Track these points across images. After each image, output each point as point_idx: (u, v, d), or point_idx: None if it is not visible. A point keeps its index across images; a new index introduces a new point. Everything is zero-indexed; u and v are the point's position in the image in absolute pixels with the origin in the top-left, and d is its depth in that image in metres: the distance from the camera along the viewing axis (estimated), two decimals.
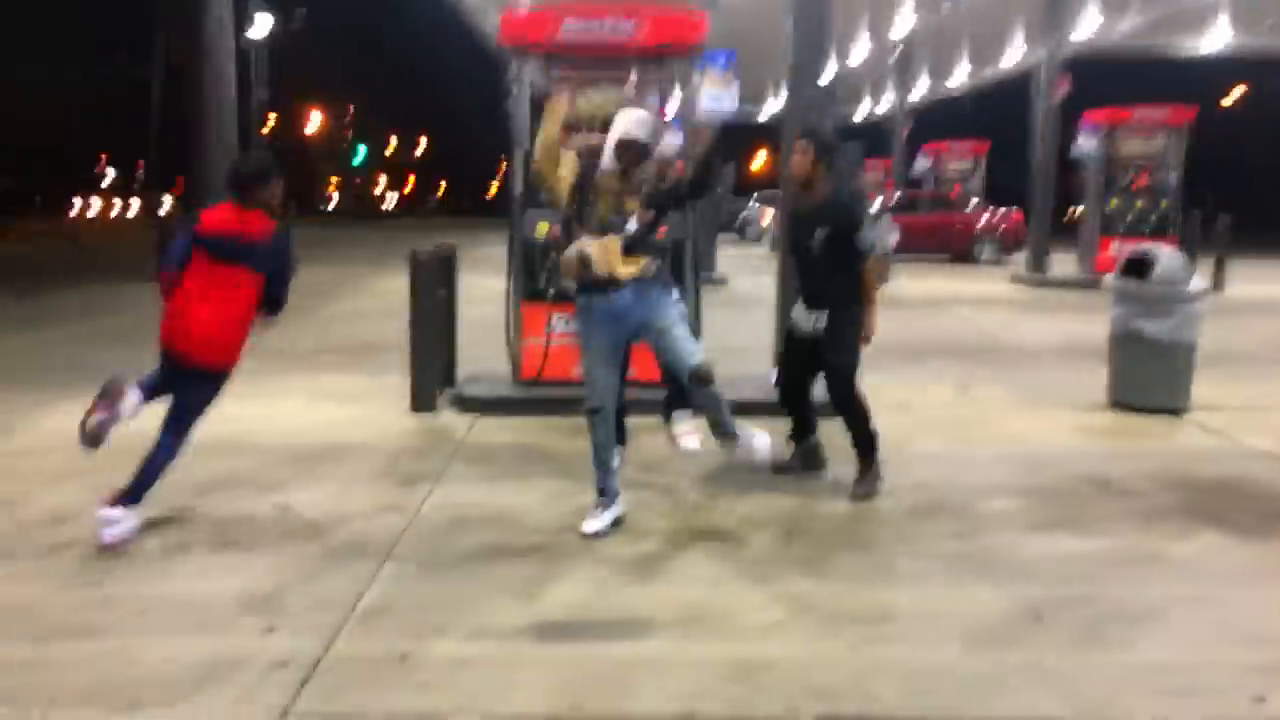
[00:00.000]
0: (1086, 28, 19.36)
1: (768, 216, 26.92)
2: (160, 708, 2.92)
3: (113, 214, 54.07)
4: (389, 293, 12.97)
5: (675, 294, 4.40)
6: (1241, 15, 19.48)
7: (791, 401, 5.29)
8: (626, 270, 4.22)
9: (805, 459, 5.31)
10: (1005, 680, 3.14)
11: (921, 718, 2.93)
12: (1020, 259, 18.75)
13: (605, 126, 4.47)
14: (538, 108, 7.00)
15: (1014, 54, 23.43)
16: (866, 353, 5.07)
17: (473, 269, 10.77)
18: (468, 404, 6.57)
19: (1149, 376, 6.76)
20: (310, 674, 3.10)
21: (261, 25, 22.02)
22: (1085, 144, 16.63)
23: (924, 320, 11.40)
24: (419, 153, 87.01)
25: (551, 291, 6.43)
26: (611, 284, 4.21)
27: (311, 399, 7.04)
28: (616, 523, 4.45)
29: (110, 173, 62.40)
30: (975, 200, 23.04)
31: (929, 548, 4.30)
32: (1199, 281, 6.78)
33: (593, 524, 4.35)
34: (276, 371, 8.05)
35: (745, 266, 18.23)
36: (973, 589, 3.85)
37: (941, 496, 4.94)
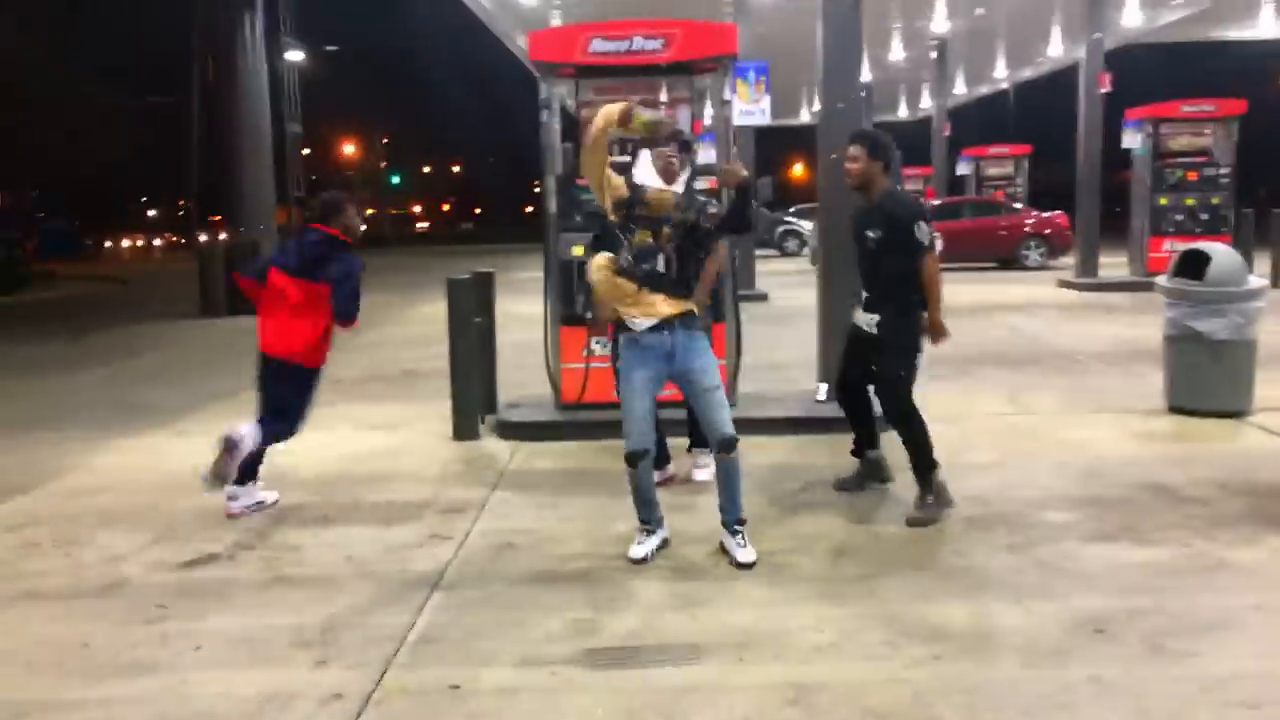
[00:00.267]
0: (1129, 19, 19.09)
1: (808, 229, 26.78)
2: None
3: (157, 250, 55.25)
4: (427, 319, 13.12)
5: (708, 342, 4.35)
6: None
7: (851, 406, 5.17)
8: (667, 310, 4.17)
9: (867, 473, 5.20)
10: (1068, 696, 3.05)
11: None
12: (1068, 262, 18.45)
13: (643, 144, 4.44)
14: (569, 128, 7.06)
15: (1054, 50, 23.18)
16: None
17: (510, 293, 10.86)
18: (510, 430, 6.58)
19: (1208, 378, 6.58)
20: (363, 706, 3.11)
21: (293, 57, 22.44)
22: (1130, 140, 16.33)
23: (971, 328, 11.22)
24: (453, 178, 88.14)
25: (589, 315, 6.44)
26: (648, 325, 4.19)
27: (355, 429, 7.11)
28: (663, 545, 4.42)
29: (151, 211, 63.95)
30: (1019, 204, 22.74)
31: (984, 562, 4.21)
32: (1256, 278, 6.60)
33: (638, 550, 4.31)
34: (320, 403, 8.10)
35: (786, 281, 18.13)
36: (1031, 603, 3.75)
37: (996, 509, 4.83)
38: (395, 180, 70.73)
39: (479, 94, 69.92)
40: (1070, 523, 4.66)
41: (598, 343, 6.36)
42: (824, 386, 6.87)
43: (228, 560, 4.47)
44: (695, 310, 4.31)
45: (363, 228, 5.34)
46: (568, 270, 6.57)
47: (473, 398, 6.64)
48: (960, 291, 15.63)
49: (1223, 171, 16.08)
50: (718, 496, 4.37)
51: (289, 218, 23.05)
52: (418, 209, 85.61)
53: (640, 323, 4.20)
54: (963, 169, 25.73)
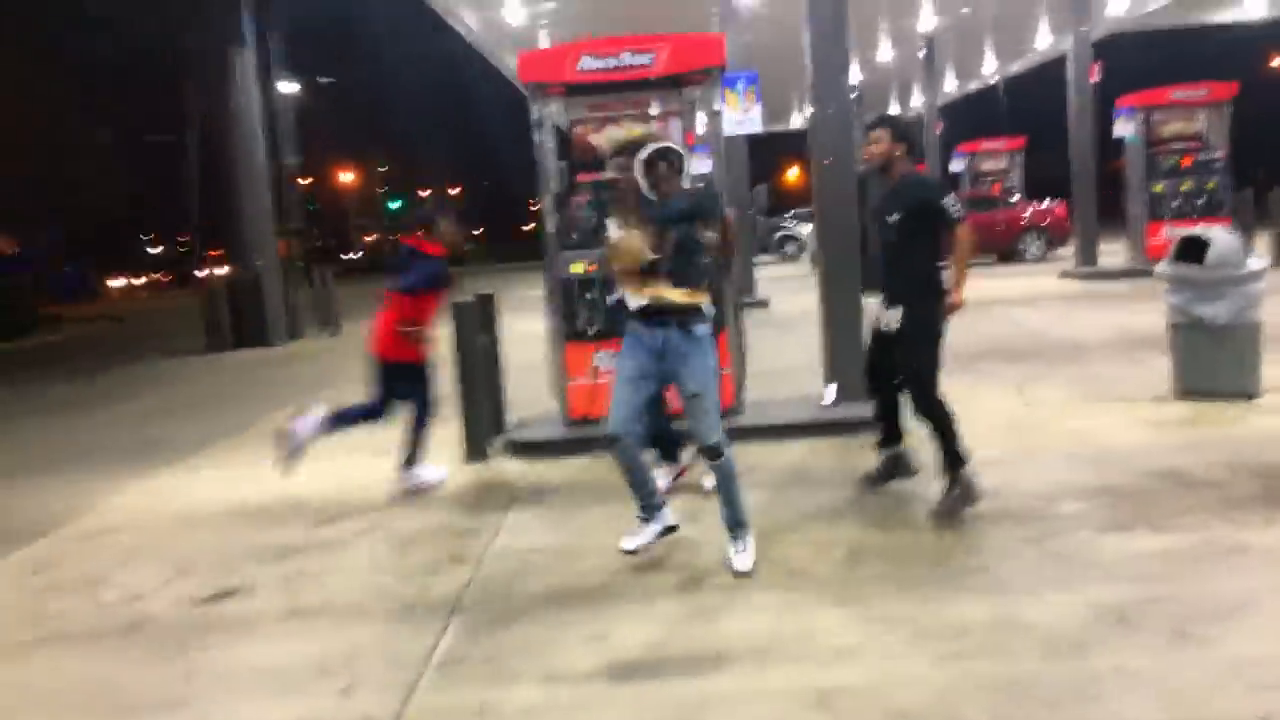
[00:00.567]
0: (1114, 7, 19.14)
1: (806, 232, 26.81)
2: None
3: (161, 287, 55.32)
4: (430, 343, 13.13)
5: (707, 338, 4.33)
6: None
7: (878, 394, 5.14)
8: (675, 297, 4.20)
9: (891, 468, 5.18)
10: (1094, 687, 3.05)
11: None
12: (1067, 253, 18.45)
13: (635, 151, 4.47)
14: (564, 146, 7.11)
15: (1041, 42, 23.23)
16: None
17: (512, 311, 10.88)
18: (520, 448, 6.61)
19: (1214, 362, 6.58)
20: None
21: (287, 89, 22.59)
22: (1123, 129, 16.35)
23: (973, 322, 11.22)
24: (452, 201, 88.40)
25: (591, 330, 6.47)
26: (654, 310, 4.23)
27: (366, 455, 7.11)
28: (666, 532, 4.42)
29: (154, 249, 64.13)
30: (1016, 197, 22.75)
31: (1001, 556, 4.21)
32: (1257, 260, 6.61)
33: (628, 541, 4.35)
34: None
35: (786, 286, 18.15)
36: (1051, 595, 3.76)
37: (1009, 503, 4.84)
38: (394, 206, 70.94)
39: (472, 117, 70.21)
40: (1084, 513, 4.66)
41: (603, 357, 6.38)
42: (830, 390, 6.89)
43: (247, 592, 4.49)
44: (700, 306, 4.27)
45: (458, 239, 5.93)
46: (568, 287, 6.61)
47: (481, 419, 6.66)
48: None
49: (1217, 155, 16.09)
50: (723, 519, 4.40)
51: (288, 249, 23.14)
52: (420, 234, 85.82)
53: (633, 301, 4.25)
54: (956, 165, 25.76)
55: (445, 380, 6.94)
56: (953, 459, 4.76)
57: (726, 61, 6.74)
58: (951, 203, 4.69)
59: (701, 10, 14.72)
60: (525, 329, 9.66)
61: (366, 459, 7.01)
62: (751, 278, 16.14)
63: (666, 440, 5.47)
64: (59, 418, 10.23)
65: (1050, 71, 22.97)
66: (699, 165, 6.82)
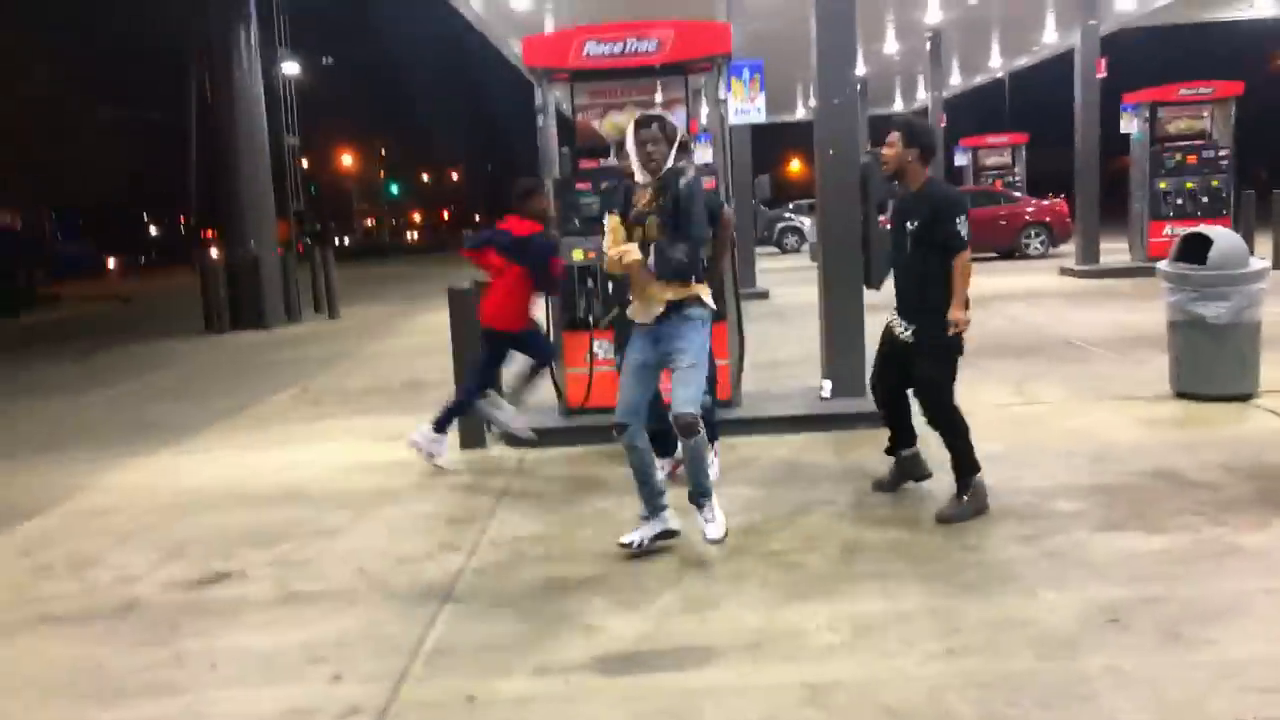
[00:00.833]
0: (1123, 2, 19.04)
1: (807, 225, 26.76)
2: None
3: (162, 268, 55.34)
4: (429, 329, 13.14)
5: (703, 320, 4.32)
6: None
7: (886, 406, 5.08)
8: (664, 295, 4.23)
9: (903, 471, 5.11)
10: (1086, 687, 3.05)
11: None
12: (1069, 250, 18.41)
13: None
14: (566, 131, 7.08)
15: (1048, 37, 23.14)
16: None
17: None
18: (515, 437, 6.57)
19: (1212, 362, 6.57)
20: None
21: (290, 70, 22.50)
22: (1129, 125, 16.29)
23: (974, 319, 11.17)
24: (453, 185, 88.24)
25: (592, 319, 6.44)
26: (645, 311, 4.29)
27: (362, 441, 7.12)
28: (665, 535, 4.42)
29: (153, 229, 63.86)
30: (1018, 193, 22.71)
31: (996, 554, 4.20)
32: (1258, 260, 6.59)
33: (627, 535, 4.38)
34: (327, 416, 8.17)
35: (786, 278, 18.13)
36: (1044, 594, 3.75)
37: (1005, 500, 4.82)
38: (394, 189, 70.81)
39: (476, 100, 70.05)
40: (1080, 512, 4.65)
41: (600, 347, 6.36)
42: (828, 384, 6.87)
43: (240, 577, 4.48)
44: (698, 296, 4.28)
45: (545, 210, 6.14)
46: (569, 275, 6.57)
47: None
48: None
49: (1221, 154, 16.03)
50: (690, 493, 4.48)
51: (289, 230, 23.08)
52: (417, 217, 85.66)
53: (640, 315, 4.34)
54: (960, 159, 25.72)
55: (443, 367, 6.94)
56: (965, 466, 4.73)
57: (733, 50, 6.69)
58: (962, 224, 4.62)
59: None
60: None
61: (364, 444, 7.01)
62: (752, 269, 16.10)
63: (662, 434, 5.45)
64: (54, 397, 10.21)
65: (1055, 67, 22.91)
66: (702, 154, 6.79)
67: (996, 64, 28.45)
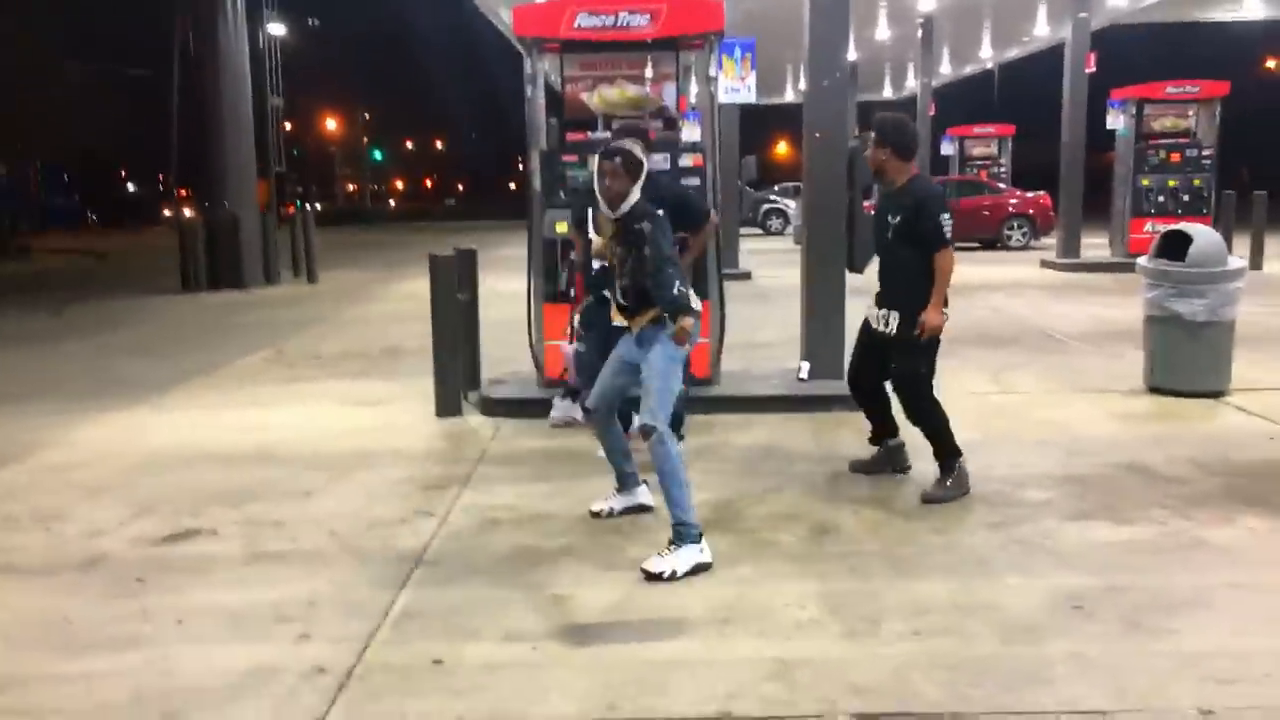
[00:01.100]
0: None
1: (792, 208, 26.76)
2: (199, 716, 2.93)
3: (133, 227, 54.76)
4: (410, 296, 13.06)
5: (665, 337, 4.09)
6: None
7: (867, 399, 5.11)
8: (640, 320, 4.15)
9: (885, 460, 5.13)
10: (1048, 673, 3.08)
11: (963, 713, 2.88)
12: (1050, 242, 18.52)
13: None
14: (555, 103, 7.02)
15: (1039, 29, 23.15)
16: None
17: (494, 270, 10.80)
18: (493, 406, 6.57)
19: (1186, 359, 6.64)
20: (345, 681, 3.11)
21: (275, 30, 22.21)
22: (1115, 121, 16.36)
23: (954, 307, 11.21)
24: (436, 153, 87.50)
25: (573, 292, 6.42)
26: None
27: (338, 405, 7.08)
28: (637, 510, 4.49)
29: (131, 186, 62.89)
30: (1003, 184, 22.78)
31: (965, 539, 4.24)
32: (1236, 259, 6.65)
33: (596, 503, 4.50)
34: (303, 378, 8.11)
35: (769, 260, 18.13)
36: (1011, 580, 3.79)
37: (977, 487, 4.85)
38: (377, 156, 70.08)
39: (463, 68, 69.31)
40: (1050, 501, 4.70)
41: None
42: (806, 365, 6.89)
43: (209, 535, 4.45)
44: (658, 318, 4.07)
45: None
46: (552, 247, 6.54)
47: (456, 374, 6.62)
48: None
49: (1205, 153, 16.14)
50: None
51: (269, 192, 22.83)
52: (400, 185, 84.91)
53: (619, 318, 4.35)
54: (946, 149, 25.74)
55: (422, 334, 6.89)
56: (947, 453, 4.79)
57: (725, 28, 6.65)
58: (944, 221, 4.63)
59: None
60: (505, 288, 9.59)
61: (339, 409, 6.97)
62: (735, 249, 16.09)
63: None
64: (25, 350, 10.08)
65: (1045, 60, 22.94)
66: (689, 132, 6.76)
67: (987, 54, 28.46)
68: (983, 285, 13.71)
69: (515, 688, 3.06)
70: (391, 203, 71.06)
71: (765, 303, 11.92)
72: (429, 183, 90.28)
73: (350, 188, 75.10)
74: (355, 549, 4.25)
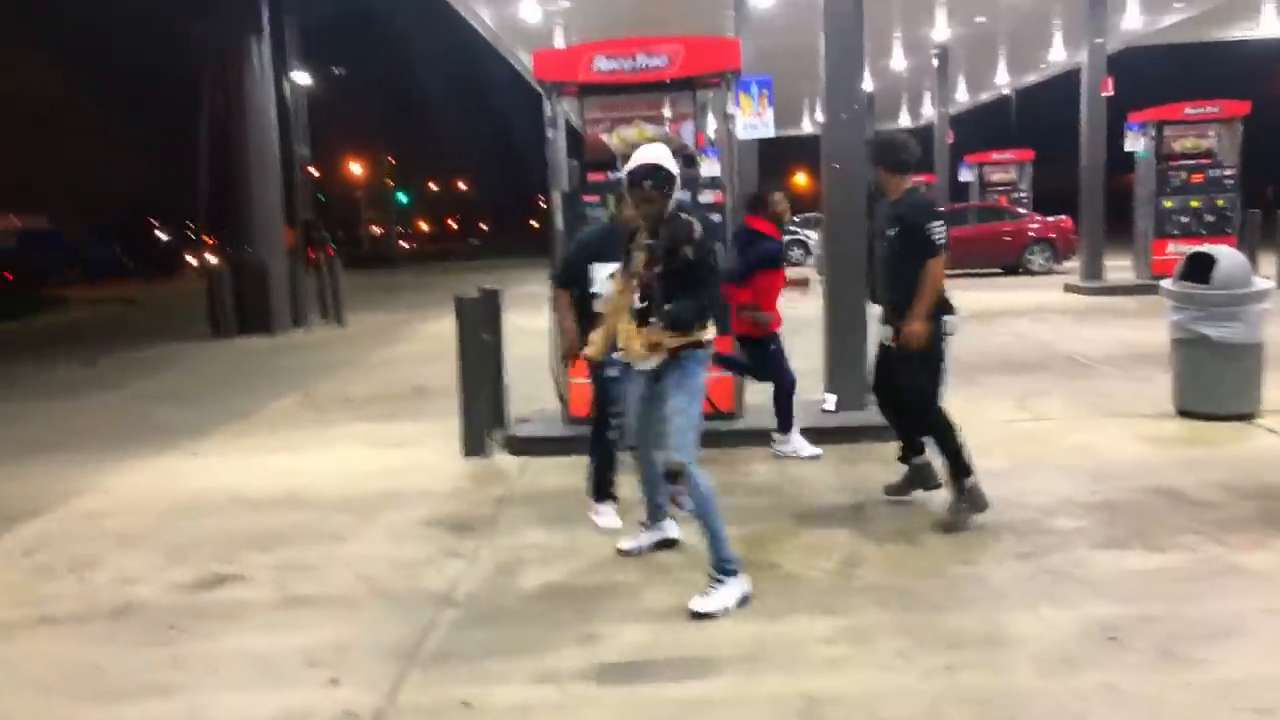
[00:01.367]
0: (1129, 21, 19.09)
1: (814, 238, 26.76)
2: None
3: (163, 275, 55.59)
4: (436, 337, 13.14)
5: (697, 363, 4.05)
6: None
7: (887, 412, 5.22)
8: (640, 353, 4.00)
9: (912, 480, 5.16)
10: (1082, 704, 3.05)
11: None
12: (1073, 267, 18.41)
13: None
14: (575, 144, 7.11)
15: (1055, 55, 23.19)
16: None
17: (517, 306, 10.87)
18: (519, 445, 6.60)
19: (1215, 381, 6.57)
20: None
21: (301, 80, 22.65)
22: (1134, 143, 16.30)
23: (977, 334, 11.22)
24: (460, 194, 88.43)
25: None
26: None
27: (366, 447, 7.13)
28: (665, 545, 4.52)
29: (163, 235, 63.94)
30: (1023, 209, 22.71)
31: (996, 570, 4.21)
32: (1262, 280, 6.59)
33: (627, 542, 4.53)
34: (331, 421, 8.19)
35: (791, 292, 18.09)
36: (1043, 611, 3.75)
37: (1006, 516, 4.82)
38: (403, 199, 70.91)
39: (485, 111, 70.19)
40: (1081, 529, 4.65)
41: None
42: (832, 398, 6.88)
43: (240, 581, 4.49)
44: (699, 340, 4.01)
45: (784, 213, 6.30)
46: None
47: (482, 414, 6.66)
48: (966, 298, 15.53)
49: (1227, 173, 16.01)
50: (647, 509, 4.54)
51: (296, 238, 23.15)
52: (424, 226, 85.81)
53: (641, 364, 4.09)
54: (965, 175, 25.72)
55: (448, 374, 6.95)
56: (958, 470, 4.77)
57: (741, 65, 6.73)
58: (934, 229, 4.67)
59: (717, 13, 14.71)
60: (529, 325, 9.65)
61: (367, 450, 7.03)
62: None
63: None
64: (60, 400, 10.24)
65: (1062, 84, 22.93)
66: (708, 168, 6.83)
67: (1003, 81, 28.51)
68: (1005, 311, 13.63)
69: None
70: (406, 244, 71.68)
71: (789, 334, 11.88)
72: (453, 223, 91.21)
73: (376, 230, 76.04)
74: (384, 591, 4.28)
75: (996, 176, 25.20)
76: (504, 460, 6.49)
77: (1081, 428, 6.68)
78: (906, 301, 4.74)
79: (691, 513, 4.07)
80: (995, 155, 25.54)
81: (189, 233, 55.75)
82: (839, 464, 6.00)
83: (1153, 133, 16.13)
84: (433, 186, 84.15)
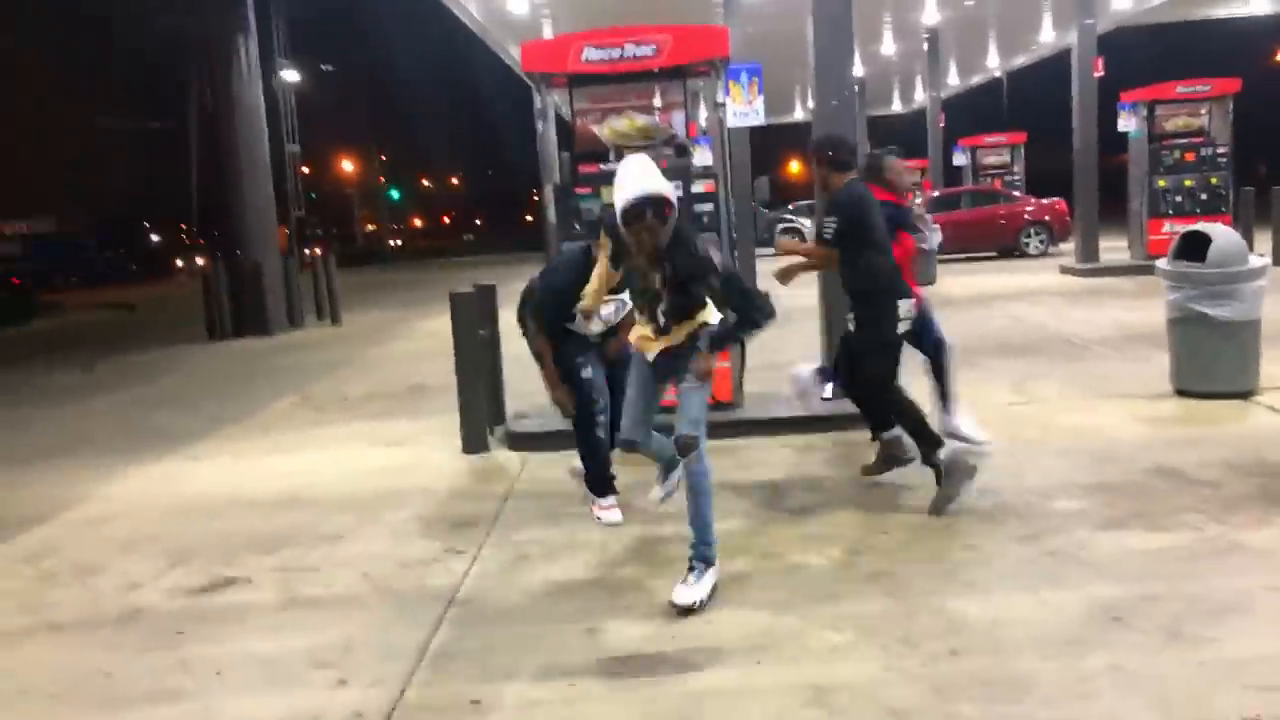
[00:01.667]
0: (1119, 1, 19.07)
1: (808, 226, 26.75)
2: None
3: (162, 276, 55.56)
4: (432, 334, 13.13)
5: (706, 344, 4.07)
6: None
7: (853, 398, 5.39)
8: (680, 333, 4.06)
9: (886, 459, 5.24)
10: (1088, 686, 3.05)
11: None
12: (1068, 249, 18.42)
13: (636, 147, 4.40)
14: (566, 136, 7.09)
15: (1045, 36, 23.16)
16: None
17: (513, 301, 10.85)
18: (519, 441, 6.60)
19: (1213, 360, 6.57)
20: None
21: (289, 78, 22.60)
22: (1126, 124, 16.29)
23: (973, 318, 11.24)
24: (453, 189, 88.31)
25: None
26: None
27: (365, 446, 7.13)
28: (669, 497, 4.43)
29: (154, 237, 63.78)
30: (1018, 192, 22.71)
31: (997, 553, 4.21)
32: (1257, 258, 6.59)
33: (658, 490, 4.42)
34: (330, 421, 8.18)
35: None
36: (1046, 593, 3.76)
37: (1006, 499, 4.84)
38: (394, 195, 70.75)
39: (475, 105, 70.10)
40: (1081, 511, 4.66)
41: None
42: (830, 385, 6.87)
43: (244, 583, 4.49)
44: (705, 322, 4.07)
45: (910, 180, 6.06)
46: None
47: (480, 410, 6.66)
48: (962, 281, 15.63)
49: (1220, 151, 16.01)
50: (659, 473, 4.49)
51: (288, 237, 23.13)
52: (418, 222, 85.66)
53: (642, 348, 4.19)
54: (959, 159, 25.70)
55: (446, 372, 6.95)
56: (926, 446, 4.85)
57: (730, 54, 6.71)
58: (828, 222, 4.96)
59: (705, 1, 14.65)
60: None
61: (366, 449, 7.02)
62: (753, 270, 16.09)
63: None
64: (58, 405, 10.22)
65: (1052, 66, 22.92)
66: (701, 157, 6.82)
67: (994, 63, 28.48)
68: (1002, 294, 13.64)
69: None
70: (398, 242, 71.55)
71: (785, 323, 11.83)
72: (447, 219, 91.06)
73: (370, 228, 75.92)
74: (388, 590, 4.28)
75: (990, 160, 25.17)
76: (504, 456, 6.49)
77: (1080, 409, 6.69)
78: (855, 289, 5.02)
79: (668, 498, 4.33)
80: (988, 138, 25.51)
81: (181, 235, 55.67)
82: (839, 451, 6.01)
83: (1144, 112, 16.12)
84: (426, 183, 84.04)
